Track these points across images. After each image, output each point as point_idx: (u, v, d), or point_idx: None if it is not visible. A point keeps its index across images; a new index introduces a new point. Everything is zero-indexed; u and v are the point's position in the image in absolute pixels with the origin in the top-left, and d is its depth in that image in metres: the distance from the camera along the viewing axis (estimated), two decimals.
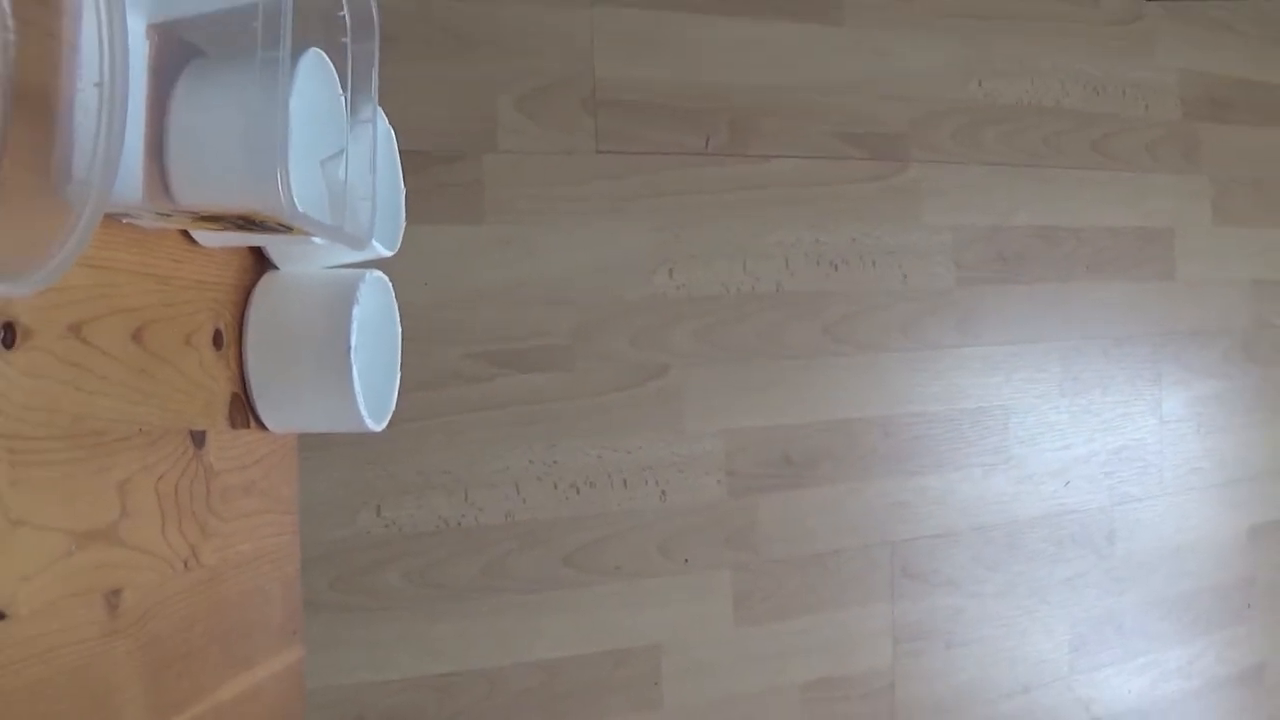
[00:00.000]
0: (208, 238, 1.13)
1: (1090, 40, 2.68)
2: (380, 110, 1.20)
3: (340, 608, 1.95)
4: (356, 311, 1.16)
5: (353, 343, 1.15)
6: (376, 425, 1.20)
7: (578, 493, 2.09)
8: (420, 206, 1.71)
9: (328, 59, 1.09)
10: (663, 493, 2.17)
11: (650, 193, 2.14)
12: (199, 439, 1.14)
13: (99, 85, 0.84)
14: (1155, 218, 2.77)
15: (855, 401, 2.39)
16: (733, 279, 2.25)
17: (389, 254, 1.22)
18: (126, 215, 0.99)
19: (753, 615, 2.26)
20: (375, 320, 1.26)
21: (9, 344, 0.88)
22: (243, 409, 1.22)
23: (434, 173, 1.88)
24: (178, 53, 1.04)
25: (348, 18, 1.08)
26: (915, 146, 2.43)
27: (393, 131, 1.25)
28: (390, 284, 1.25)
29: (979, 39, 2.52)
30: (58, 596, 0.90)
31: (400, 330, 1.28)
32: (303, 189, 0.98)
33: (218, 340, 1.18)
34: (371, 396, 1.22)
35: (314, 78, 1.07)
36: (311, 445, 1.90)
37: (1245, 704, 2.86)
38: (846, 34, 2.40)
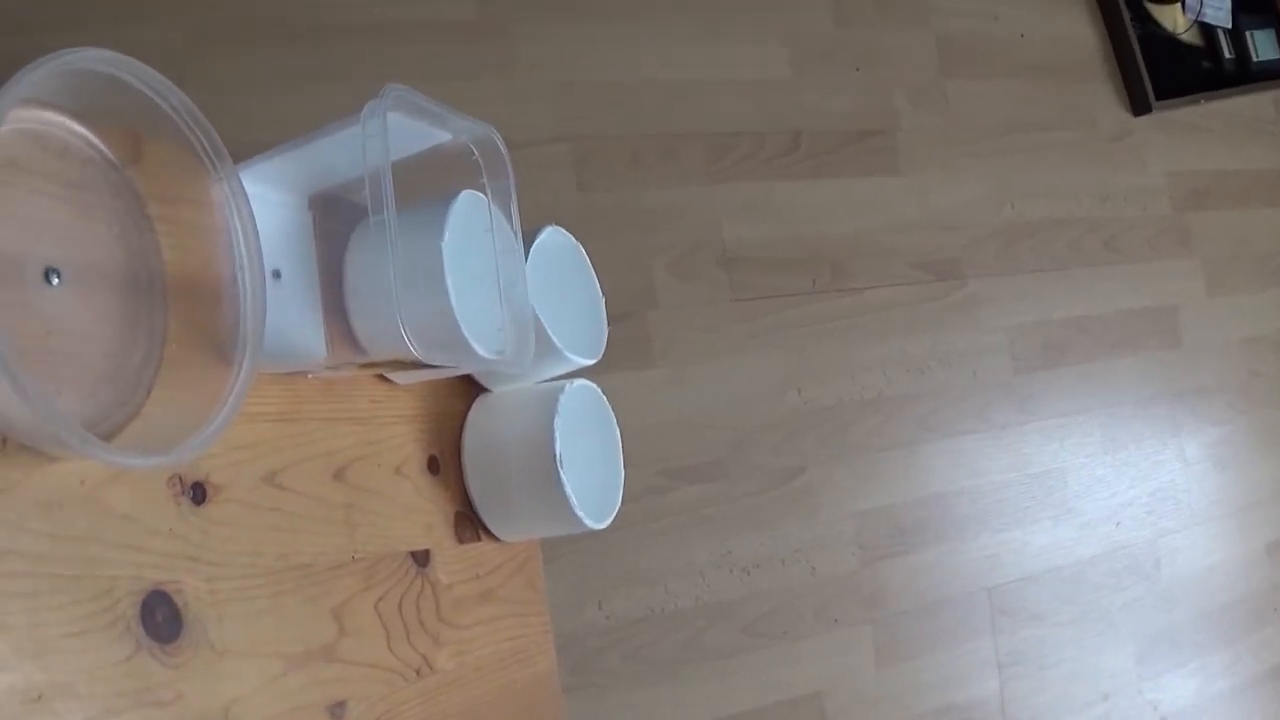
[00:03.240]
0: (402, 377, 1.17)
1: (1093, 157, 3.01)
2: (564, 231, 1.29)
3: (578, 688, 2.19)
4: (559, 422, 1.18)
5: (557, 451, 1.17)
6: (598, 524, 1.20)
7: (748, 574, 2.37)
8: (604, 357, 1.94)
9: (486, 200, 1.09)
10: (812, 568, 2.47)
11: (776, 329, 2.47)
12: (421, 558, 1.18)
13: (240, 268, 0.89)
14: (1161, 298, 3.09)
15: (946, 478, 2.68)
16: (845, 391, 2.57)
17: (591, 362, 1.25)
18: (310, 371, 1.04)
19: (889, 659, 2.53)
20: (587, 425, 1.27)
21: (199, 500, 0.93)
22: (470, 525, 1.25)
23: (610, 330, 2.05)
24: (346, 216, 1.07)
25: (480, 162, 1.09)
26: (969, 266, 2.76)
27: (582, 248, 1.32)
28: (598, 390, 1.27)
29: (1006, 170, 2.82)
30: (278, 713, 0.96)
31: (618, 433, 1.31)
32: (476, 321, 1.03)
33: (433, 466, 1.22)
34: (594, 496, 1.23)
35: (472, 217, 1.07)
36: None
37: (1278, 694, 3.10)
38: (904, 181, 2.72)
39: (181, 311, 0.92)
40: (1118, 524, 2.97)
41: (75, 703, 0.82)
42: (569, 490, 1.15)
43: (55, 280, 0.86)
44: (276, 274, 1.03)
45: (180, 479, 0.93)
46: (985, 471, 2.71)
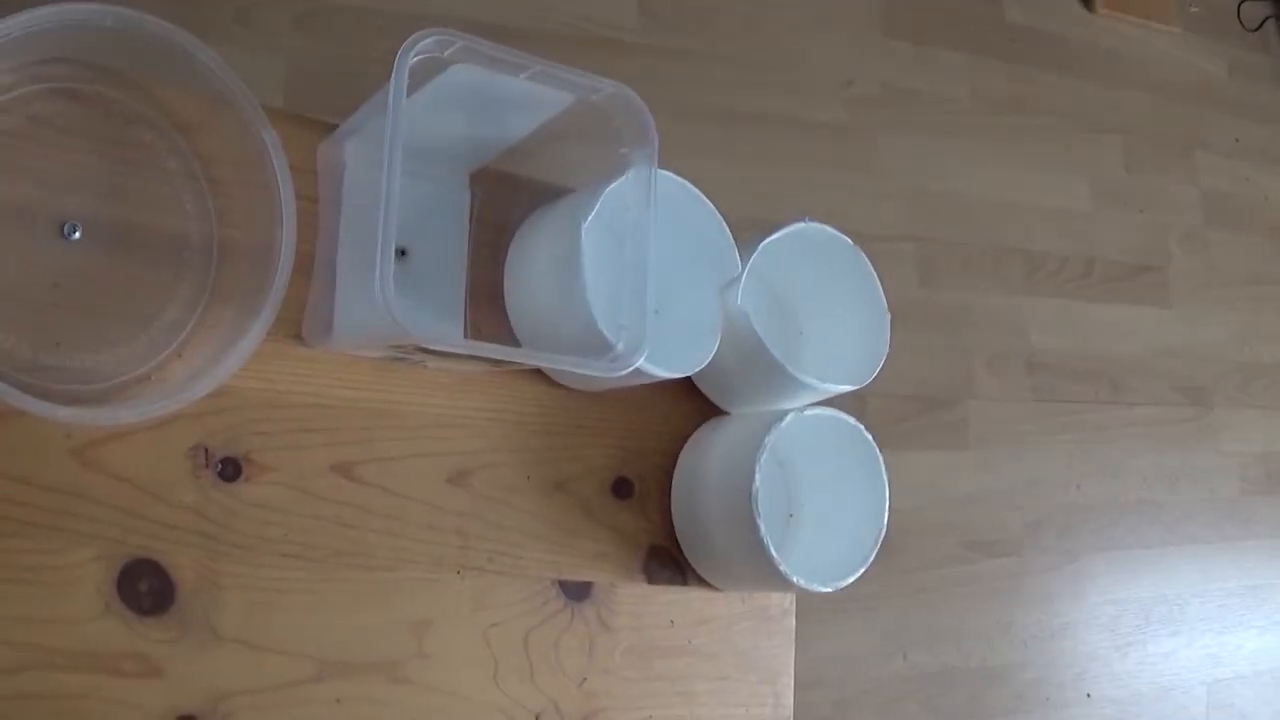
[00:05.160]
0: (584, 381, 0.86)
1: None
2: (840, 234, 0.93)
3: None
4: (763, 457, 0.82)
5: (755, 487, 0.81)
6: (819, 585, 0.85)
7: (1025, 645, 2.03)
8: (924, 438, 1.92)
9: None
10: (1074, 645, 2.11)
11: (1065, 430, 2.15)
12: (577, 590, 0.84)
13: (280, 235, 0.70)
14: None
15: (1185, 580, 2.27)
16: (1114, 493, 2.20)
17: (850, 389, 0.90)
18: (421, 360, 0.79)
19: None
20: (840, 468, 0.92)
21: (230, 477, 0.71)
22: (673, 565, 0.89)
23: (935, 414, 1.94)
24: (523, 201, 0.85)
25: (621, 128, 0.79)
26: (1215, 395, 2.39)
27: (870, 263, 0.95)
28: (854, 424, 0.90)
29: (1250, 315, 2.49)
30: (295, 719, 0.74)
31: (885, 482, 0.90)
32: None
33: (622, 489, 0.88)
34: (831, 552, 0.89)
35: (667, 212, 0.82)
36: (854, 600, 1.84)
37: None
38: (1172, 314, 2.35)
39: (228, 276, 0.72)
40: None
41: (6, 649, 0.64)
42: (766, 538, 0.80)
43: (76, 234, 0.68)
44: (402, 252, 0.81)
45: (206, 451, 0.71)
46: (1217, 578, 2.35)
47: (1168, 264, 2.46)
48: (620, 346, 0.76)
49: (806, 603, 2.04)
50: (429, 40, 0.70)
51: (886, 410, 1.93)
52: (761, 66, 1.99)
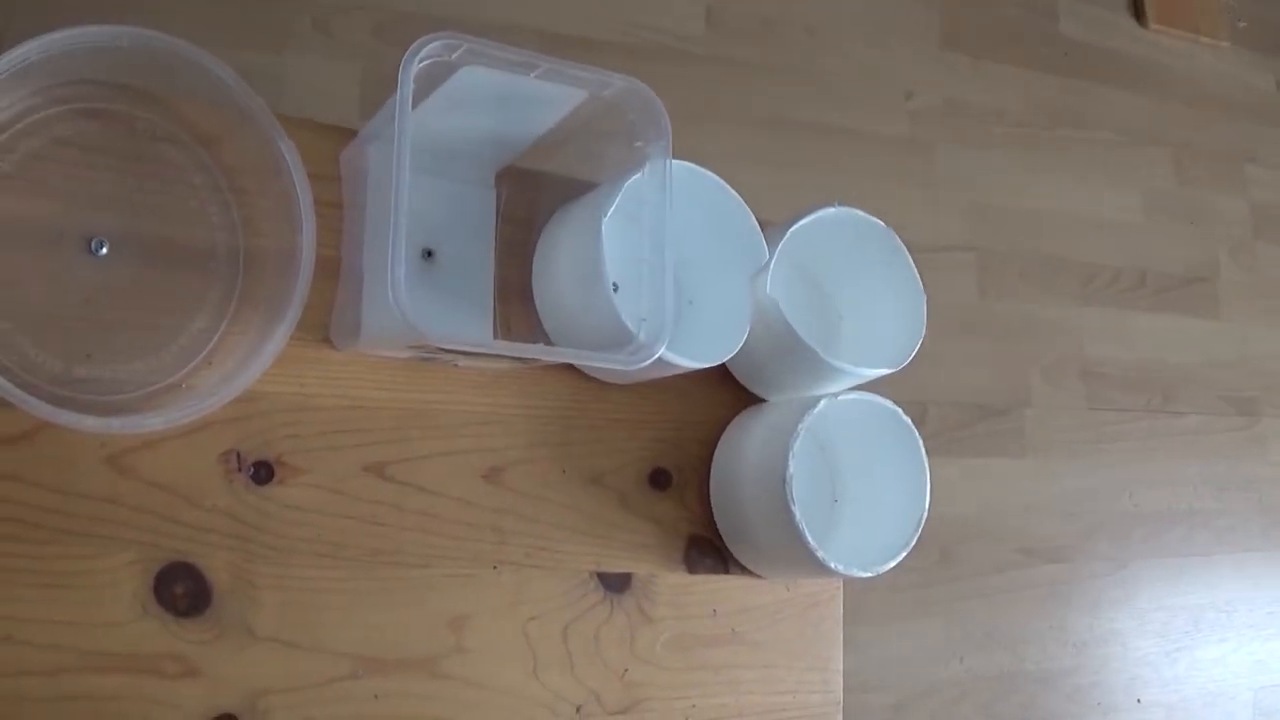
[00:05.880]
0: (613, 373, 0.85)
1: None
2: (873, 219, 0.91)
3: None
4: (796, 444, 0.81)
5: (789, 474, 0.80)
6: (857, 570, 0.83)
7: (1076, 649, 2.05)
8: (981, 445, 1.94)
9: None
10: (1124, 649, 2.12)
11: (1117, 439, 2.16)
12: (616, 582, 0.83)
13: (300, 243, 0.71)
14: None
15: (1233, 586, 2.27)
16: (1166, 501, 2.21)
17: (886, 372, 0.88)
18: (449, 360, 0.78)
19: None
20: (882, 453, 0.90)
21: (263, 480, 0.71)
22: (714, 554, 0.88)
23: (990, 421, 1.97)
24: (546, 199, 0.84)
25: (634, 120, 0.78)
26: (1266, 406, 2.42)
27: (901, 243, 0.93)
28: (891, 407, 0.87)
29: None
30: (334, 716, 0.71)
31: (926, 467, 0.88)
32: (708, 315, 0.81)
33: (659, 480, 0.87)
34: (873, 537, 0.88)
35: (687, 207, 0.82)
36: (914, 604, 1.90)
37: None
38: (1221, 325, 2.38)
39: (254, 283, 0.73)
40: None
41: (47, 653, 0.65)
42: (801, 524, 0.79)
43: (103, 250, 0.69)
44: (428, 253, 0.81)
45: (239, 455, 0.72)
46: (1265, 586, 2.37)
47: (1217, 275, 2.48)
48: (641, 338, 0.75)
49: (865, 605, 2.11)
50: (435, 44, 0.70)
51: (947, 418, 1.97)
52: (824, 78, 2.04)
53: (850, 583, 0.87)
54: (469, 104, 0.78)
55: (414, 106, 0.73)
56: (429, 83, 0.74)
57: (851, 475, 0.93)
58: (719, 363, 0.83)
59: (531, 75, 0.75)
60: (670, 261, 0.77)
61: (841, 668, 0.94)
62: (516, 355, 0.77)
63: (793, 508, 0.79)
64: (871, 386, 0.91)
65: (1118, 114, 2.41)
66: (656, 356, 0.75)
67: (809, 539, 0.80)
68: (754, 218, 0.87)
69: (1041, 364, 2.17)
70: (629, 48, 1.84)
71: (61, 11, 1.43)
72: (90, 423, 0.64)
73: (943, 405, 1.97)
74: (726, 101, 1.95)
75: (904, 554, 0.85)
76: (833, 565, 0.80)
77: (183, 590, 0.68)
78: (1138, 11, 2.40)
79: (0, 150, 0.68)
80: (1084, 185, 2.33)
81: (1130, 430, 2.28)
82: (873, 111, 2.08)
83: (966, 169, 2.17)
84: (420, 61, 0.70)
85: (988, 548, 2.05)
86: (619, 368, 0.76)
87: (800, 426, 0.81)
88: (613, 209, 0.77)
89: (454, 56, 0.72)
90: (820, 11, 2.05)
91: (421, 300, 0.80)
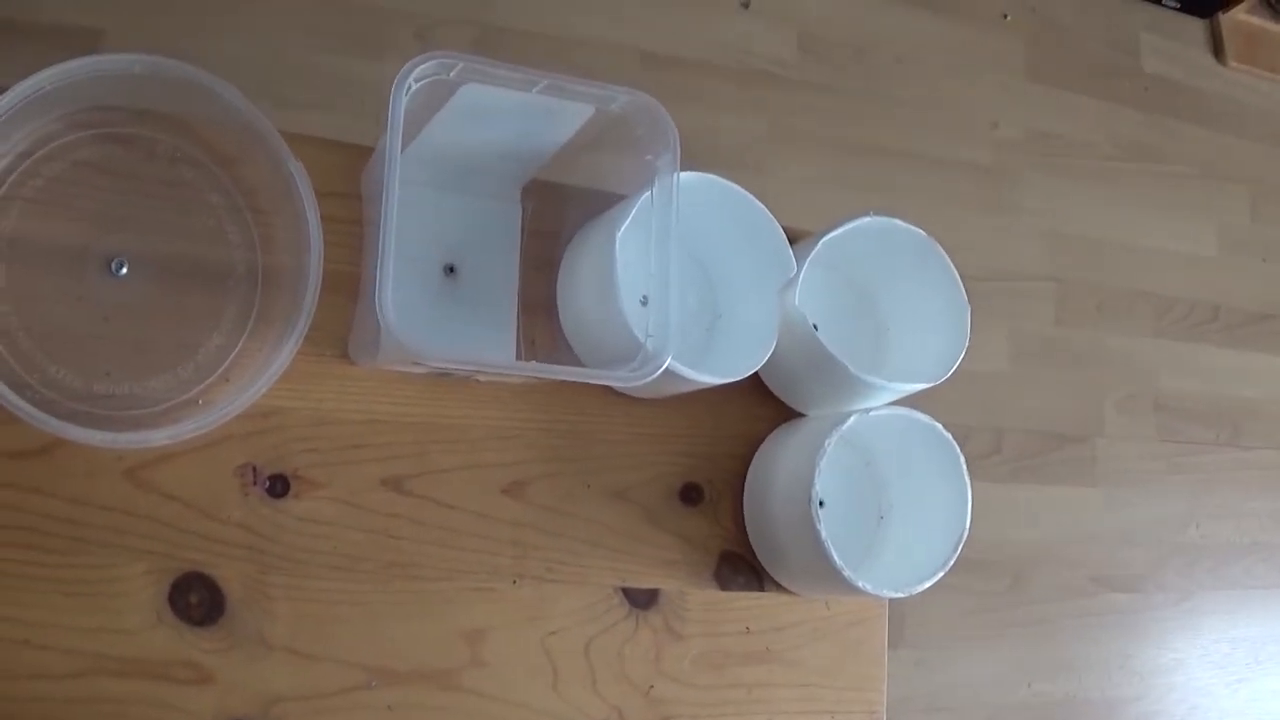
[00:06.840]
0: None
1: None
2: (930, 237, 0.89)
3: None
4: (823, 461, 0.79)
5: (815, 491, 0.78)
6: (895, 591, 0.82)
7: (1141, 679, 2.03)
8: (1054, 472, 1.95)
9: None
10: (1187, 679, 2.13)
11: (1186, 470, 2.16)
12: (642, 597, 0.82)
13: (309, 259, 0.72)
14: None
15: None
16: (1233, 534, 2.21)
17: (926, 386, 0.85)
18: (473, 374, 0.78)
19: None
20: (922, 471, 0.88)
21: (278, 494, 0.71)
22: (748, 570, 0.85)
23: (1065, 450, 1.96)
24: (569, 209, 0.83)
25: (641, 134, 0.77)
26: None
27: (943, 252, 0.90)
28: (930, 422, 0.85)
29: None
30: None
31: (968, 487, 0.85)
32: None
33: (690, 495, 0.85)
34: (907, 558, 0.86)
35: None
36: (983, 628, 1.89)
37: None
38: None
39: (270, 301, 0.73)
40: None
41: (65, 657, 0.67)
42: (828, 543, 0.78)
43: (123, 270, 0.71)
44: (450, 269, 0.81)
45: (254, 469, 0.73)
46: None
47: None
48: (645, 351, 0.74)
49: (933, 627, 2.11)
50: (429, 64, 0.71)
51: (1022, 445, 1.97)
52: (910, 105, 2.07)
53: (917, 605, 0.87)
54: (484, 119, 0.78)
55: (425, 122, 0.74)
56: (431, 100, 0.73)
57: (896, 491, 0.91)
58: (740, 378, 0.81)
59: (533, 91, 0.75)
60: (675, 274, 0.76)
61: (885, 688, 0.91)
62: (512, 372, 0.77)
63: (818, 526, 0.78)
64: (944, 408, 0.88)
65: (1195, 150, 2.42)
66: (661, 370, 0.73)
67: (835, 558, 0.78)
68: (782, 231, 0.85)
69: (1116, 395, 2.18)
70: (721, 69, 1.88)
71: (173, 13, 1.51)
72: (99, 438, 0.66)
73: (1017, 432, 1.97)
74: (815, 125, 1.97)
75: (941, 574, 0.83)
76: (861, 585, 0.79)
77: (197, 600, 0.69)
78: (1217, 50, 2.42)
79: (24, 175, 0.71)
80: (1161, 219, 2.34)
81: (1198, 463, 2.28)
82: (957, 140, 2.11)
83: (1047, 199, 2.19)
84: (416, 81, 0.70)
85: (1058, 574, 2.04)
86: (621, 384, 0.75)
87: (827, 443, 0.79)
88: (628, 222, 0.77)
89: (451, 75, 0.72)
90: (909, 42, 2.09)
91: (441, 317, 0.80)
